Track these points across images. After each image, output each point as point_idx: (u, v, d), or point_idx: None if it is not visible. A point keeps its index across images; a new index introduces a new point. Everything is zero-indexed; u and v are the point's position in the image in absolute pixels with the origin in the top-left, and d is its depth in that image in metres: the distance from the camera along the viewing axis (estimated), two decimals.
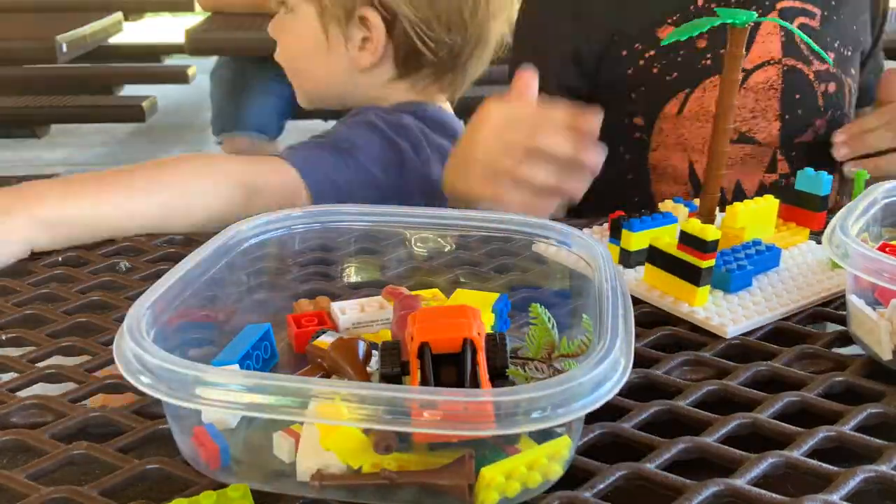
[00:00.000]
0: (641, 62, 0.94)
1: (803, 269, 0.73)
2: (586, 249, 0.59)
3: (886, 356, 0.58)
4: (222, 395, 0.42)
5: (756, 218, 0.73)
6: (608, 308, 0.48)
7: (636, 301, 0.68)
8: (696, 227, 0.63)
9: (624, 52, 0.95)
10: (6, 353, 0.61)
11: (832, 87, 0.99)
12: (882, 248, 0.63)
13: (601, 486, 0.46)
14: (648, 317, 0.68)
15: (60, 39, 2.24)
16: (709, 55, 0.93)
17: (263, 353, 0.58)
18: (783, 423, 0.52)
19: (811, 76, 0.98)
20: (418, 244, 0.71)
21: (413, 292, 0.63)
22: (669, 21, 0.94)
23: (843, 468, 0.47)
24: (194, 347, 0.58)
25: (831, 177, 0.77)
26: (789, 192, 0.78)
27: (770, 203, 0.75)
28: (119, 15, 2.80)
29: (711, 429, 0.51)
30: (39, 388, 0.58)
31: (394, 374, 0.49)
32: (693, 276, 0.64)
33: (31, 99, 3.27)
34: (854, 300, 0.61)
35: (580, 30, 0.98)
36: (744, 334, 0.64)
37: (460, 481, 0.43)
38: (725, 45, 0.81)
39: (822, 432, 0.50)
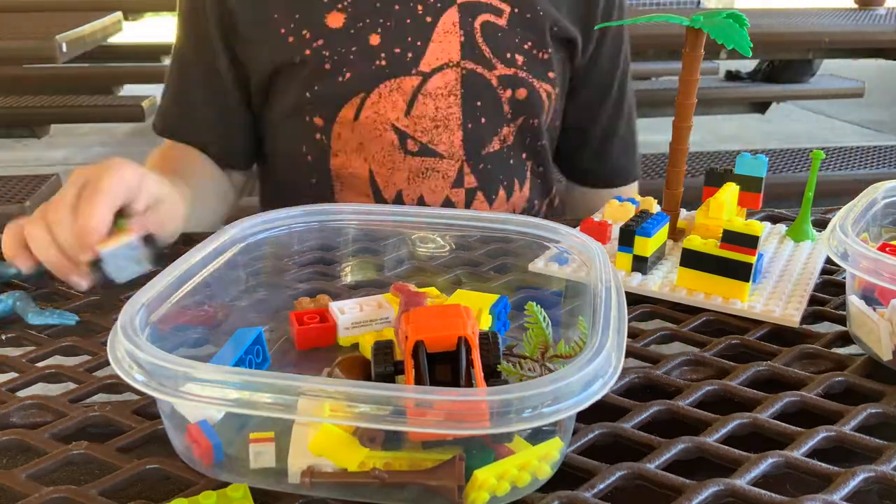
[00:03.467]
0: (312, 52, 0.83)
1: (775, 246, 0.77)
2: (583, 250, 0.59)
3: (886, 356, 0.58)
4: (212, 392, 0.42)
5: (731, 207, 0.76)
6: (601, 308, 0.48)
7: (638, 300, 0.68)
8: (739, 225, 0.64)
9: (291, 39, 0.83)
10: (6, 353, 0.61)
11: (521, 92, 0.88)
12: (882, 248, 0.63)
13: (601, 486, 0.46)
14: (649, 316, 0.68)
15: (60, 39, 2.24)
16: (383, 55, 0.82)
17: (256, 357, 0.58)
18: (783, 423, 0.52)
19: (493, 81, 0.87)
20: (418, 244, 0.71)
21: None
22: (339, 7, 0.82)
23: (843, 468, 0.47)
24: (192, 346, 0.58)
25: (766, 159, 0.78)
26: (730, 176, 0.79)
27: (734, 190, 0.76)
28: (119, 15, 2.80)
29: (711, 429, 0.51)
30: (39, 388, 0.58)
31: (387, 372, 0.49)
32: (742, 272, 0.66)
33: (31, 99, 3.27)
34: (854, 300, 0.61)
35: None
36: (742, 333, 0.64)
37: (450, 482, 0.43)
38: (399, 43, 0.80)
39: (822, 432, 0.50)
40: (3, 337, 0.65)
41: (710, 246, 0.66)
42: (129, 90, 3.93)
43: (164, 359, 0.43)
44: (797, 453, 0.49)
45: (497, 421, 0.40)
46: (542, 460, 0.45)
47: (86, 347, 0.63)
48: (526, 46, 0.87)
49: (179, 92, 0.93)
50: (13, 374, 0.59)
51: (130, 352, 0.44)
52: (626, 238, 0.70)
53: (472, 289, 0.65)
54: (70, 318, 0.66)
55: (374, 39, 0.82)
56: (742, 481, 0.46)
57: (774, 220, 0.84)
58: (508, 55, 0.87)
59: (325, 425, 0.44)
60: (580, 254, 0.61)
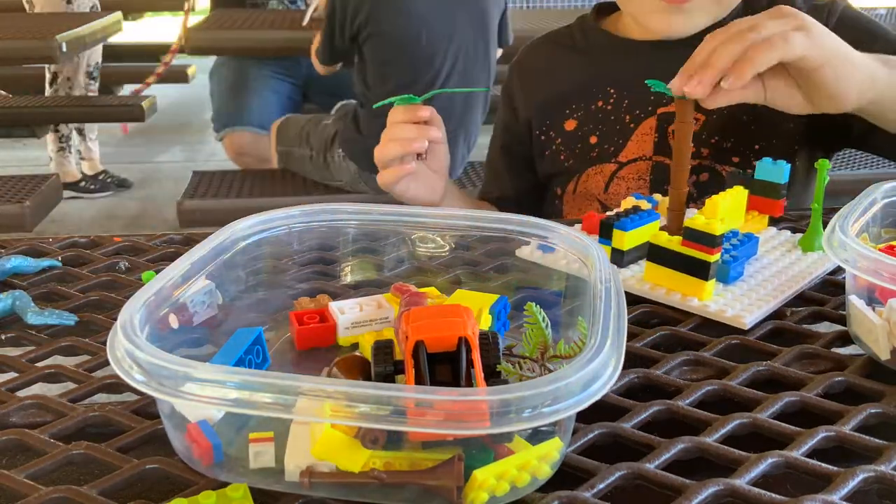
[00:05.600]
0: (554, 147, 1.10)
1: (778, 254, 0.76)
2: (582, 250, 0.59)
3: (884, 356, 0.58)
4: (212, 392, 0.42)
5: (730, 209, 0.75)
6: (601, 309, 0.48)
7: (638, 300, 0.68)
8: (701, 223, 0.64)
9: (542, 138, 1.11)
10: (6, 353, 0.61)
11: (704, 176, 1.01)
12: (888, 250, 0.62)
13: (601, 486, 0.46)
14: (649, 316, 0.68)
15: (60, 39, 2.24)
16: (596, 149, 1.07)
17: (256, 357, 0.57)
18: (783, 423, 0.52)
19: None
20: (418, 244, 0.71)
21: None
22: (574, 117, 1.08)
23: (843, 468, 0.47)
24: (192, 346, 0.58)
25: (789, 165, 0.78)
26: (750, 181, 0.79)
27: (740, 194, 0.76)
28: (119, 15, 2.80)
29: (711, 429, 0.51)
30: (39, 388, 0.58)
31: (387, 372, 0.49)
32: (701, 270, 0.65)
33: (31, 99, 3.27)
34: (854, 300, 0.60)
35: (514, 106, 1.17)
36: (742, 334, 0.64)
37: (449, 482, 0.43)
38: (609, 141, 1.07)
39: (822, 432, 0.50)
40: (3, 337, 0.65)
41: (674, 243, 0.67)
42: (129, 90, 3.93)
43: (163, 359, 0.43)
44: (797, 453, 0.49)
45: (497, 421, 0.40)
46: (542, 460, 0.45)
47: (85, 347, 0.63)
48: (713, 141, 1.02)
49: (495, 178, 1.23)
50: (13, 374, 0.59)
51: (130, 351, 0.44)
52: (605, 231, 0.72)
53: (472, 289, 0.65)
54: (69, 319, 0.66)
55: (593, 139, 1.07)
56: (742, 481, 0.46)
57: (795, 230, 0.82)
58: (694, 149, 0.99)
59: (326, 429, 0.44)
60: (578, 253, 0.61)
